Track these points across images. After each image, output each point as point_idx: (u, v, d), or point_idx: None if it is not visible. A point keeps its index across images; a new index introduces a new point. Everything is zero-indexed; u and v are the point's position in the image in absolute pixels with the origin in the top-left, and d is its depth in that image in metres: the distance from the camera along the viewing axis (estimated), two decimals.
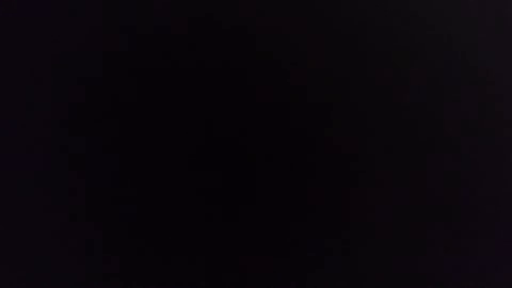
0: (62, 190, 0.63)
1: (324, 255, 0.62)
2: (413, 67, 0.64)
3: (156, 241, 0.63)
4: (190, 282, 0.63)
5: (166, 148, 0.64)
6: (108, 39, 0.65)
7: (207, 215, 0.63)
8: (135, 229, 0.63)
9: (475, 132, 0.64)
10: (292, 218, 0.63)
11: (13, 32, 0.65)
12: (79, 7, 0.65)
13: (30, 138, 0.64)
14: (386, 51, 0.64)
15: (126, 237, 0.63)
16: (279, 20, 0.65)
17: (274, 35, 0.65)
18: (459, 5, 0.65)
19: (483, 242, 0.63)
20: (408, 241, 0.63)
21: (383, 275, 0.63)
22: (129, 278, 0.63)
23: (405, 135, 0.64)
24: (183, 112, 0.64)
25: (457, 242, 0.63)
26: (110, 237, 0.63)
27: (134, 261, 0.63)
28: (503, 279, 0.63)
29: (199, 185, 0.63)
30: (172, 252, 0.63)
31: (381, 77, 0.64)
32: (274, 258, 0.63)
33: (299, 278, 0.63)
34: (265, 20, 0.65)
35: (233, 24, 0.65)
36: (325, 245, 0.63)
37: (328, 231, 0.63)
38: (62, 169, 0.63)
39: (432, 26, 0.65)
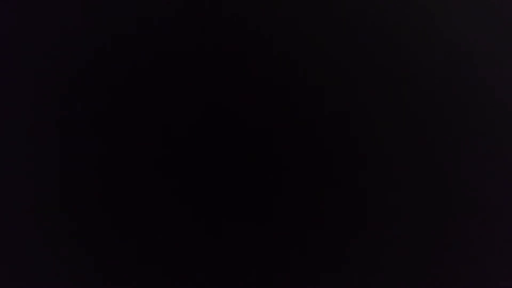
0: (55, 191, 0.63)
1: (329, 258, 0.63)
2: (420, 68, 0.64)
3: (159, 246, 0.63)
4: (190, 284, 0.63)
5: (166, 148, 0.64)
6: (106, 36, 0.65)
7: (208, 219, 0.63)
8: (134, 232, 0.63)
9: (476, 132, 0.64)
10: (299, 221, 0.63)
11: (8, 31, 0.65)
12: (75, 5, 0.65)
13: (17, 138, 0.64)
14: (389, 51, 0.64)
15: (125, 239, 0.63)
16: (286, 18, 0.65)
17: (277, 33, 0.65)
18: (463, 6, 0.65)
19: (484, 243, 0.63)
20: (420, 241, 0.63)
21: (393, 275, 0.63)
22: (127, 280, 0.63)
23: (409, 135, 0.64)
24: (188, 113, 0.64)
25: (458, 243, 0.63)
26: (108, 237, 0.63)
27: (133, 263, 0.63)
28: (503, 279, 0.63)
29: (202, 187, 0.63)
30: (172, 254, 0.63)
31: (384, 76, 0.64)
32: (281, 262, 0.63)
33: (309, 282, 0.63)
34: (270, 17, 0.65)
35: (238, 20, 0.65)
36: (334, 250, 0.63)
37: (334, 234, 0.63)
38: (57, 168, 0.63)
39: (438, 27, 0.65)
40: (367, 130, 0.64)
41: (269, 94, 0.64)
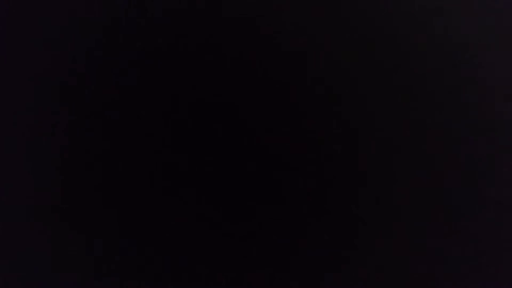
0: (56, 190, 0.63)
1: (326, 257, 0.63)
2: (418, 67, 0.64)
3: (159, 244, 0.63)
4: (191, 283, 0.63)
5: (166, 147, 0.64)
6: (109, 38, 0.65)
7: (208, 217, 0.63)
8: (136, 231, 0.63)
9: (476, 132, 0.64)
10: (296, 220, 0.63)
11: (8, 32, 0.65)
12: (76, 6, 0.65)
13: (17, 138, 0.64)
14: (388, 51, 0.65)
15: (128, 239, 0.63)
16: (287, 17, 0.65)
17: (278, 32, 0.65)
18: (461, 6, 0.65)
19: (484, 243, 0.63)
20: (417, 241, 0.63)
21: (390, 275, 0.63)
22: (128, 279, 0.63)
23: (407, 135, 0.64)
24: (190, 113, 0.64)
25: (458, 243, 0.63)
26: (110, 236, 0.63)
27: (133, 263, 0.63)
28: (503, 279, 0.63)
29: (202, 186, 0.63)
30: (173, 254, 0.63)
31: (383, 76, 0.64)
32: (279, 261, 0.63)
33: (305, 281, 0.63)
34: (272, 16, 0.65)
35: (239, 20, 0.65)
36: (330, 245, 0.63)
37: (331, 233, 0.63)
38: (56, 168, 0.63)
39: (435, 27, 0.65)
40: (367, 129, 0.64)
41: (269, 94, 0.64)
